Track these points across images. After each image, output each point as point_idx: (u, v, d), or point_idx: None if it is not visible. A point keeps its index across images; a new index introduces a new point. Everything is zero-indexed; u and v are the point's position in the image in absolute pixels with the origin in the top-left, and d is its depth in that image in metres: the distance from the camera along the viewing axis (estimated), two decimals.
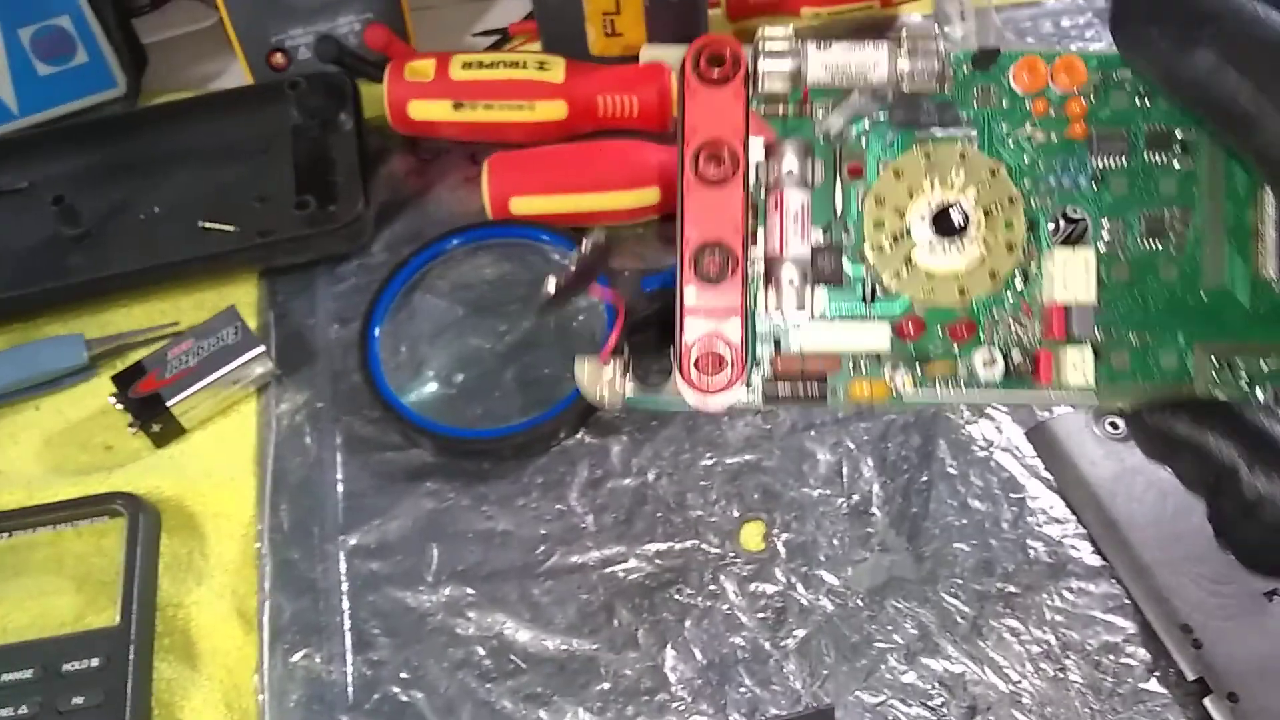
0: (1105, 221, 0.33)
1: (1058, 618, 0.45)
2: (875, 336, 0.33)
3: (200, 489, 0.50)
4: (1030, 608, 0.45)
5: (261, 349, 0.51)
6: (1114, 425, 0.49)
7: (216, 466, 0.51)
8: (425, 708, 0.44)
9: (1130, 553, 0.46)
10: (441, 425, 0.50)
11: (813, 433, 0.50)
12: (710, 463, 0.49)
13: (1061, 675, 0.44)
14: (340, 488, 0.50)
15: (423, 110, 0.57)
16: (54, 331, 0.55)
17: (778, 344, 0.33)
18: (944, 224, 0.32)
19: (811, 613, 0.46)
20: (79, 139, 0.60)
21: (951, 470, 0.48)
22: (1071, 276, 0.32)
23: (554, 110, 0.56)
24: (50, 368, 0.53)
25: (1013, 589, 0.46)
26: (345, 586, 0.47)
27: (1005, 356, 0.33)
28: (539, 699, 0.44)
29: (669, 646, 0.45)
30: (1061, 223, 0.33)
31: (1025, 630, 0.45)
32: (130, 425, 0.50)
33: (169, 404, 0.50)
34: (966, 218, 0.32)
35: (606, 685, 0.44)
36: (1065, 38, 0.63)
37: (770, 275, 0.33)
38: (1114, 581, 0.46)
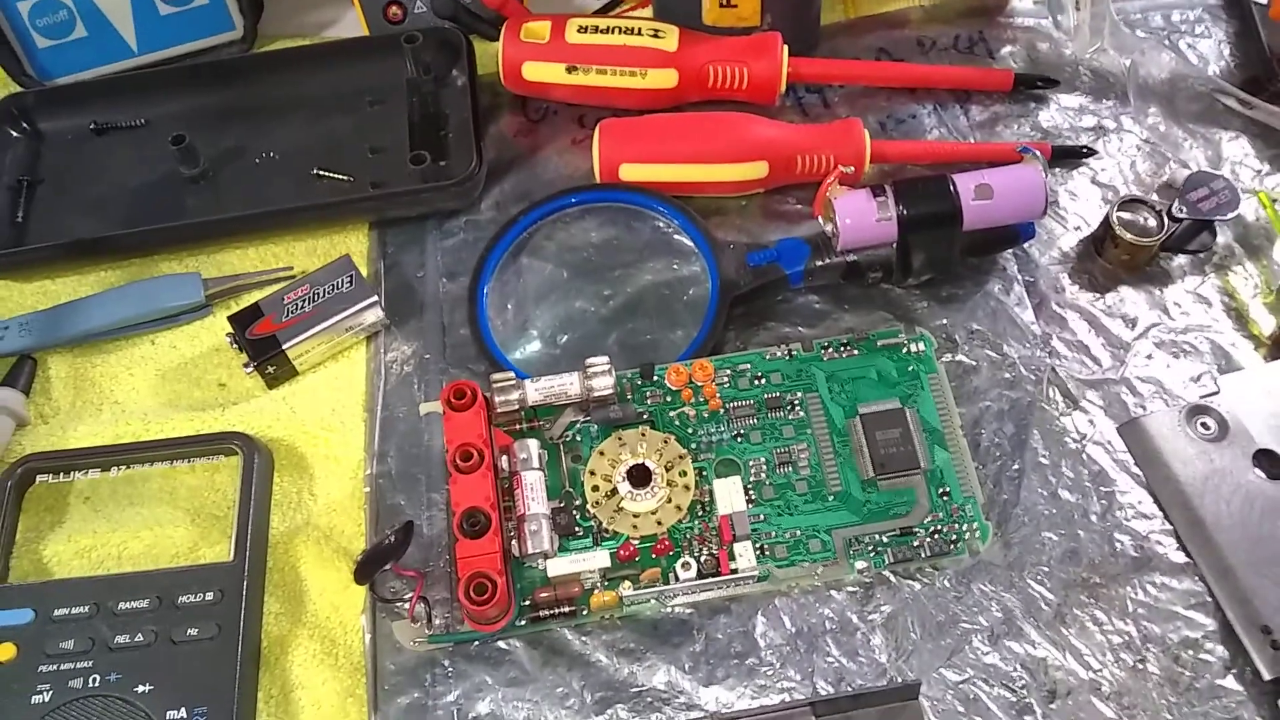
0: (750, 462, 0.48)
1: (1140, 610, 0.46)
2: (599, 560, 0.46)
3: (310, 431, 0.52)
4: (1114, 599, 0.46)
5: (375, 299, 0.53)
6: (1205, 426, 0.49)
7: (326, 410, 0.52)
8: (522, 656, 0.46)
9: (1215, 552, 0.47)
10: None
11: None
12: None
13: (1141, 666, 0.45)
14: None
15: (537, 72, 0.57)
16: (169, 269, 0.57)
17: (538, 580, 0.46)
18: (636, 478, 0.48)
19: (899, 590, 0.47)
20: (197, 80, 0.61)
21: (1043, 460, 0.49)
22: (730, 496, 0.47)
23: (665, 79, 0.57)
24: (169, 304, 0.54)
25: (1098, 580, 0.47)
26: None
27: (698, 561, 0.46)
28: (632, 654, 0.46)
29: (760, 614, 0.47)
30: None
31: (1108, 621, 0.46)
32: (245, 365, 0.52)
33: (284, 347, 0.51)
34: (650, 472, 0.48)
35: (698, 646, 0.46)
36: (1175, 32, 0.62)
37: (521, 531, 0.46)
38: (1197, 579, 0.47)
